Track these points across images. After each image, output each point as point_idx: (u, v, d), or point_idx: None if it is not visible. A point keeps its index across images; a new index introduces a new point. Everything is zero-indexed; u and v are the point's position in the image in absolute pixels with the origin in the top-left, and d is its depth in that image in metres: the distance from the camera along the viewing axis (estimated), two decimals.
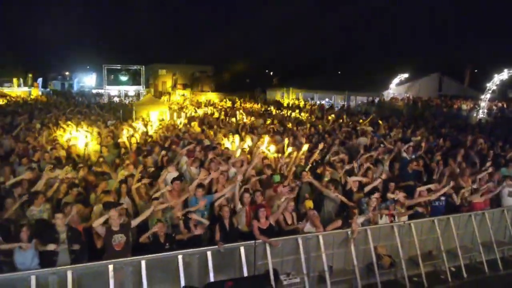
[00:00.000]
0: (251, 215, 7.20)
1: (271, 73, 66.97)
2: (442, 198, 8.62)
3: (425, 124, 19.12)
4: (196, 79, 59.72)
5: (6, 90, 46.46)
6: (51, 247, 5.94)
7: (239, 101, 36.84)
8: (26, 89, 50.34)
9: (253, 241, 6.63)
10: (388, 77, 34.89)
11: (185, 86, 57.13)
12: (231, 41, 64.95)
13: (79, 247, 6.17)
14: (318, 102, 39.17)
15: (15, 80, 54.22)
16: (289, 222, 7.27)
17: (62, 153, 10.71)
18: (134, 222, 6.49)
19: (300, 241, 6.93)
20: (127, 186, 7.85)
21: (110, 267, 5.84)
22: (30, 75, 54.55)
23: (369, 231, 7.52)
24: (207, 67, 62.71)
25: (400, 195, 8.09)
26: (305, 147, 10.72)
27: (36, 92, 46.82)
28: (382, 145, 12.27)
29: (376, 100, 33.37)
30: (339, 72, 54.07)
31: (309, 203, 7.42)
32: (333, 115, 21.88)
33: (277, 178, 8.80)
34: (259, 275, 4.07)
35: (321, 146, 10.77)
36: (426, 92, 35.19)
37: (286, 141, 11.53)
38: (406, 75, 34.79)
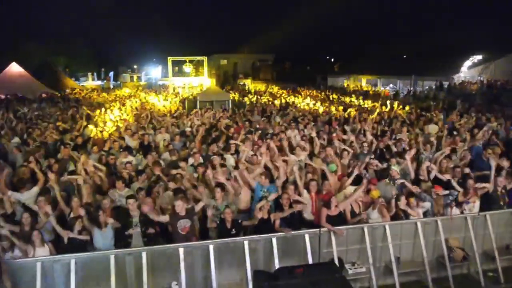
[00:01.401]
0: (317, 203, 7.15)
1: (332, 59, 65.55)
2: None
3: (502, 110, 17.70)
4: (257, 68, 60.06)
5: (82, 83, 50.04)
6: (129, 231, 6.39)
7: (301, 90, 36.43)
8: (99, 82, 53.87)
9: (318, 229, 6.61)
10: (459, 59, 32.65)
11: (246, 76, 57.79)
12: (291, 28, 64.25)
13: (153, 231, 6.53)
14: (382, 88, 37.77)
15: (89, 74, 58.28)
16: (357, 211, 7.13)
17: (135, 142, 11.30)
18: (198, 206, 6.72)
19: (366, 231, 6.79)
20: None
21: (181, 250, 6.12)
22: (103, 70, 58.23)
23: (440, 222, 7.16)
24: (268, 56, 62.79)
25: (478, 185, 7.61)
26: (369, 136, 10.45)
27: (108, 85, 49.83)
28: (455, 133, 11.58)
29: (446, 84, 31.43)
30: (404, 56, 51.55)
31: (376, 192, 7.21)
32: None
33: (333, 167, 8.64)
34: (328, 262, 4.05)
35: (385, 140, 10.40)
36: (503, 74, 32.45)
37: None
38: (479, 57, 32.32)
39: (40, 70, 37.47)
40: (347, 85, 43.53)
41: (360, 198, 7.25)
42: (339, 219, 6.85)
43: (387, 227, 6.88)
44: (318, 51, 65.01)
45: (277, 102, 23.86)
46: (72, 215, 6.68)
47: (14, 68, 32.76)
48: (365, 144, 10.10)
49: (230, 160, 9.45)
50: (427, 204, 7.32)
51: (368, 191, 7.37)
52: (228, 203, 6.98)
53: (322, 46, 65.57)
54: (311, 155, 9.47)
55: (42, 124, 13.76)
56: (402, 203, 7.16)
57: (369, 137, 10.58)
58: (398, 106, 18.27)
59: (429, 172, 8.26)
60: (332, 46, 64.69)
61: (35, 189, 7.37)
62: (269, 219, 6.83)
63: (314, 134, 10.93)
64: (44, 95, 30.91)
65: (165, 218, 6.53)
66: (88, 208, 7.06)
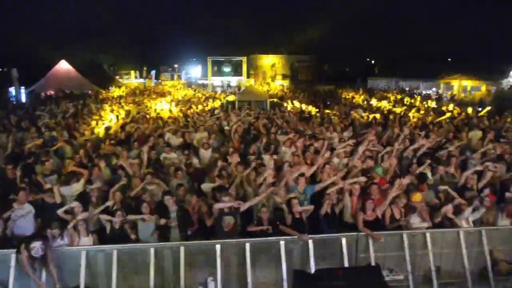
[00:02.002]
0: (357, 207, 7.07)
1: (372, 61, 64.22)
2: None
3: None
4: (295, 69, 59.81)
5: (125, 81, 51.71)
6: (164, 221, 6.59)
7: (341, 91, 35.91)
8: (141, 80, 55.49)
9: (356, 233, 6.53)
10: (509, 63, 31.13)
11: (284, 77, 57.69)
12: (331, 29, 63.58)
13: (189, 226, 6.69)
14: (423, 92, 36.62)
15: (132, 72, 60.22)
16: (398, 217, 6.96)
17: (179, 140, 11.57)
18: (243, 207, 6.76)
19: (405, 237, 6.62)
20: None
21: (218, 246, 6.21)
22: (145, 68, 59.96)
23: (484, 232, 6.86)
24: (307, 57, 62.36)
25: None
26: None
27: (150, 83, 51.22)
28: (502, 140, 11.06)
29: (493, 89, 30.05)
30: (449, 59, 49.75)
31: (418, 196, 7.00)
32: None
33: (379, 169, 8.48)
34: (369, 266, 4.00)
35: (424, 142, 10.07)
36: None
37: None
38: None
39: (87, 68, 39.07)
40: (388, 87, 42.49)
41: (402, 204, 7.08)
42: (376, 224, 6.72)
43: (427, 234, 6.68)
44: (358, 52, 63.88)
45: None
46: (115, 207, 6.94)
47: (63, 65, 34.29)
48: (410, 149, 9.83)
49: (269, 161, 9.47)
50: (476, 214, 7.03)
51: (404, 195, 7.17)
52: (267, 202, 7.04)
53: (363, 48, 64.36)
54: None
55: (88, 120, 14.38)
56: (449, 211, 6.92)
57: (422, 141, 10.22)
58: (442, 111, 17.67)
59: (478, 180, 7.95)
60: (373, 47, 63.40)
61: (82, 182, 7.70)
62: (302, 220, 6.80)
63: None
64: (89, 91, 32.25)
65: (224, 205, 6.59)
66: (130, 202, 7.35)
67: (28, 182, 7.82)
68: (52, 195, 7.05)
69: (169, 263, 6.23)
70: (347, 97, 30.93)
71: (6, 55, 41.30)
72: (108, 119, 15.21)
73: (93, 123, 14.00)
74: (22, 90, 31.88)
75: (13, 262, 5.79)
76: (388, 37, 62.89)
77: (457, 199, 7.18)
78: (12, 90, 31.07)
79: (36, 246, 5.61)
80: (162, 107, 19.17)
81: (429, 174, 8.17)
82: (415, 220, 6.88)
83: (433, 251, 6.68)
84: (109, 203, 6.87)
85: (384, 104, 23.73)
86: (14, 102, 25.05)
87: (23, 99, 29.13)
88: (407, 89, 39.56)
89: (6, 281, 5.74)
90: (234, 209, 6.57)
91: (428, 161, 8.71)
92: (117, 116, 16.29)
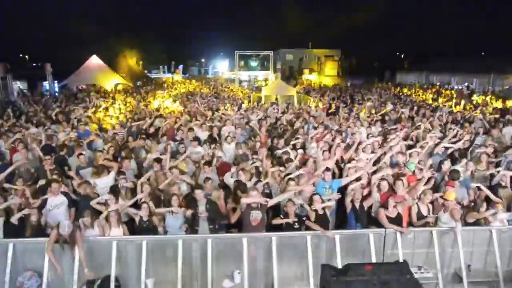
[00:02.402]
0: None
1: (402, 55, 62.72)
2: None
3: None
4: (322, 63, 59.18)
5: (153, 76, 52.58)
6: (190, 212, 6.70)
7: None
8: (169, 75, 56.26)
9: (383, 229, 6.45)
10: None
11: (311, 71, 57.18)
12: (359, 23, 62.37)
13: (218, 219, 6.79)
14: (456, 86, 35.53)
15: (160, 67, 61.12)
16: (425, 213, 6.84)
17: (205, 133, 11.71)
18: (271, 202, 6.80)
19: (435, 234, 6.50)
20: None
21: (244, 240, 6.27)
22: (173, 63, 60.72)
23: None
24: (334, 51, 61.56)
25: None
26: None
27: (178, 77, 51.83)
28: None
29: None
30: (483, 53, 47.98)
31: (451, 195, 6.83)
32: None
33: (412, 166, 8.32)
34: (398, 262, 3.94)
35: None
36: None
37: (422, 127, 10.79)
38: None
39: (117, 62, 39.91)
40: (418, 82, 41.40)
41: (428, 200, 6.93)
42: (398, 221, 6.61)
43: (458, 232, 6.51)
44: (387, 46, 62.48)
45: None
46: (143, 199, 7.10)
47: (94, 60, 35.13)
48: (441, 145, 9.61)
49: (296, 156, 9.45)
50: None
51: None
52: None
53: (392, 41, 62.93)
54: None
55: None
56: (484, 209, 6.73)
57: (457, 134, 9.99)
58: (476, 106, 17.10)
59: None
60: (402, 41, 61.89)
61: (112, 175, 7.92)
62: (326, 216, 6.79)
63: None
64: (119, 86, 32.96)
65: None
66: (159, 194, 7.50)
67: (61, 174, 8.10)
68: (86, 187, 7.25)
69: (197, 255, 6.33)
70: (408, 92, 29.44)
71: (40, 50, 42.71)
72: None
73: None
74: (56, 84, 32.93)
75: None
76: (419, 29, 61.19)
77: (493, 198, 6.98)
78: (46, 84, 32.14)
79: (64, 224, 5.82)
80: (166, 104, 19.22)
81: (461, 171, 7.95)
82: (445, 218, 6.72)
83: (464, 249, 6.52)
84: (140, 196, 7.02)
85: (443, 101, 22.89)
86: (48, 96, 25.86)
87: (56, 93, 30.07)
88: (438, 83, 38.46)
89: (41, 270, 5.98)
90: (261, 204, 6.60)
91: (465, 160, 8.52)
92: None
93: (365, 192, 7.28)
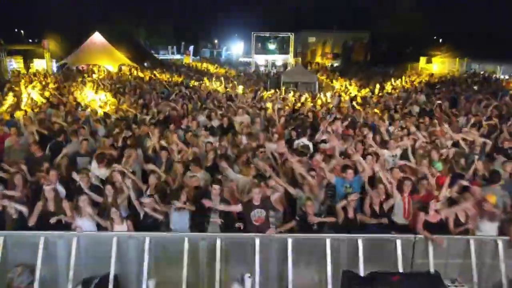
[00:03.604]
0: (410, 206, 6.96)
1: (440, 40, 61.45)
2: None
3: None
4: (349, 47, 58.48)
5: (161, 57, 52.69)
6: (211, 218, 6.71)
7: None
8: (178, 56, 56.37)
9: (413, 235, 6.38)
10: None
11: (335, 56, 56.61)
12: (391, 2, 61.18)
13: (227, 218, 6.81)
14: (502, 76, 34.75)
15: (169, 48, 61.27)
16: (462, 220, 6.75)
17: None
18: (274, 196, 6.82)
19: (472, 243, 6.41)
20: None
21: (257, 241, 6.28)
22: (183, 43, 60.80)
23: None
24: (362, 34, 60.72)
25: None
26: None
27: (187, 59, 51.89)
28: None
29: None
30: None
31: (493, 198, 6.70)
32: None
33: (439, 165, 8.19)
34: (429, 273, 3.88)
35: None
36: None
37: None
38: None
39: (121, 41, 40.11)
40: (457, 70, 40.63)
41: (468, 204, 6.81)
42: (439, 228, 6.53)
43: (499, 242, 6.41)
44: (423, 29, 61.22)
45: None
46: (148, 192, 7.16)
47: (96, 38, 35.25)
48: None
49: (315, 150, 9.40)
50: None
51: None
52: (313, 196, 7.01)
53: (428, 24, 61.62)
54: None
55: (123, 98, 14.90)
56: None
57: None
58: None
59: None
60: (440, 24, 60.53)
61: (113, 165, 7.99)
62: (355, 218, 6.74)
63: (413, 128, 10.43)
64: (123, 67, 33.13)
65: (236, 208, 6.73)
66: (165, 188, 7.54)
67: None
68: (85, 176, 7.33)
69: (204, 255, 6.37)
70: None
71: (38, 25, 43.10)
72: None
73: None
74: (54, 62, 33.29)
75: (41, 245, 6.13)
76: (461, 11, 59.73)
77: None
78: (43, 62, 32.35)
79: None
80: None
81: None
82: (486, 226, 6.61)
83: (506, 261, 6.41)
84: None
85: None
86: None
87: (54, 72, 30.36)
88: (481, 72, 37.68)
89: (34, 264, 6.09)
90: (264, 200, 6.61)
91: (501, 158, 8.35)
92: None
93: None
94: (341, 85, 23.87)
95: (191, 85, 22.19)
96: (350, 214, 6.74)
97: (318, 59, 56.79)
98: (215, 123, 11.62)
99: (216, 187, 6.76)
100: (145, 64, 38.25)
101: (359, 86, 23.60)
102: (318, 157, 8.09)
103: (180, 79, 26.08)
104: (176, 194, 6.79)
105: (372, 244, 6.44)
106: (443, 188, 7.03)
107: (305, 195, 7.08)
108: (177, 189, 7.04)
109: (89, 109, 12.59)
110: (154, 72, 30.11)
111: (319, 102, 16.66)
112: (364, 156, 8.17)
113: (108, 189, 6.85)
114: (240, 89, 20.63)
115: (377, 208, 6.94)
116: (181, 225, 6.72)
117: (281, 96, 17.62)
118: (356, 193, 6.89)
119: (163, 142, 9.06)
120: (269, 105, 14.66)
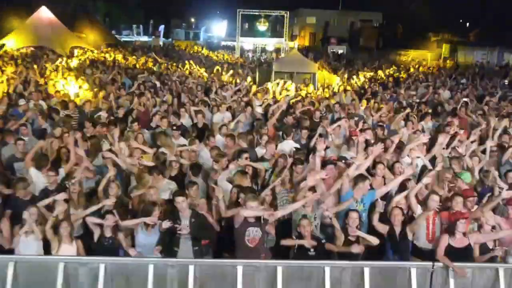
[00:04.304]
0: (435, 226, 7.02)
1: (467, 24, 62.35)
2: None
3: None
4: (357, 31, 58.98)
5: (124, 38, 52.43)
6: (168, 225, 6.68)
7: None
8: (146, 38, 56.17)
9: (430, 263, 6.44)
10: None
11: (340, 41, 56.98)
12: None
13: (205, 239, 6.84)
14: None
15: (134, 27, 60.95)
16: (490, 245, 6.86)
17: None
18: (278, 214, 6.86)
19: (501, 273, 6.47)
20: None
21: (239, 268, 6.27)
22: (151, 22, 60.64)
23: None
24: (373, 15, 61.32)
25: None
26: None
27: (157, 42, 51.81)
28: None
29: None
30: None
31: None
32: None
33: (467, 176, 8.30)
34: None
35: None
36: None
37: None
38: None
39: (74, 18, 39.88)
40: (488, 61, 41.23)
41: (491, 225, 6.96)
42: (465, 254, 6.63)
43: None
44: (447, 11, 62.04)
45: None
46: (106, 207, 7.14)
47: (43, 13, 34.86)
48: None
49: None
50: None
51: None
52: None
53: (453, 5, 62.50)
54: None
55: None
56: None
57: None
58: None
59: None
60: (467, 6, 61.37)
61: (62, 172, 7.97)
62: (358, 240, 6.81)
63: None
64: (76, 50, 32.90)
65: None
66: (125, 201, 7.53)
67: None
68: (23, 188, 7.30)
69: (174, 286, 6.34)
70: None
71: None
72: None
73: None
74: None
75: None
76: None
77: None
78: None
79: None
80: None
81: None
82: None
83: None
84: (108, 201, 7.00)
85: None
86: None
87: None
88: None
89: None
90: (261, 219, 6.61)
91: None
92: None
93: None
94: (344, 80, 23.93)
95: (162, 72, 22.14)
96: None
97: (319, 44, 57.11)
98: (187, 121, 11.67)
99: (179, 199, 6.78)
100: (101, 48, 38.02)
101: (369, 79, 23.78)
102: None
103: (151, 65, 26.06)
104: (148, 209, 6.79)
105: (381, 273, 6.50)
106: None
107: (301, 212, 7.12)
108: (151, 202, 7.03)
109: (32, 102, 12.49)
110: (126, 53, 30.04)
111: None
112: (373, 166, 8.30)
113: (60, 203, 6.79)
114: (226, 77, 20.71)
115: (397, 229, 6.95)
116: (149, 248, 6.71)
117: (261, 88, 17.77)
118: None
119: (122, 145, 9.05)
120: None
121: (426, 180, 7.51)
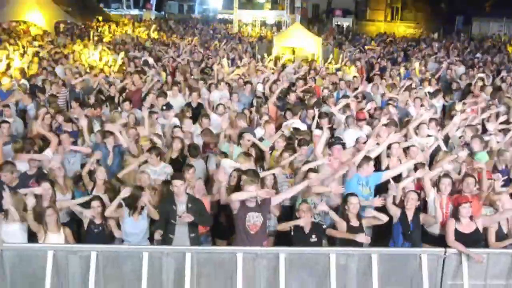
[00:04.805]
0: (448, 211, 7.04)
1: None
2: None
3: None
4: (363, 2, 58.53)
5: (113, 12, 51.88)
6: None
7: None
8: (137, 12, 55.61)
9: (443, 249, 6.48)
10: None
11: (345, 13, 56.46)
12: None
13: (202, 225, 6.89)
14: None
15: (124, 0, 60.27)
16: (505, 230, 6.89)
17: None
18: (275, 200, 6.84)
19: None
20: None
21: (239, 256, 6.30)
22: None
23: None
24: None
25: None
26: None
27: (148, 16, 51.27)
28: None
29: None
30: None
31: None
32: None
33: (483, 156, 8.30)
34: None
35: None
36: None
37: None
38: None
39: None
40: (505, 33, 40.90)
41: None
42: (474, 239, 6.64)
43: None
44: None
45: None
46: (94, 192, 7.17)
47: None
48: None
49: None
50: None
51: None
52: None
53: None
54: None
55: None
56: None
57: None
58: None
59: None
60: None
61: (47, 153, 7.97)
62: (361, 226, 6.86)
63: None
64: (62, 25, 32.66)
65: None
66: (116, 186, 7.56)
67: None
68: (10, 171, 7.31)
69: (170, 276, 6.39)
70: None
71: None
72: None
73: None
74: None
75: None
76: None
77: None
78: None
79: None
80: None
81: None
82: None
83: None
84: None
85: None
86: None
87: None
88: None
89: None
90: (262, 203, 6.62)
91: None
92: None
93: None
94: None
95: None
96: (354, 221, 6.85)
97: (322, 16, 56.65)
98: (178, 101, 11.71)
99: (177, 182, 6.71)
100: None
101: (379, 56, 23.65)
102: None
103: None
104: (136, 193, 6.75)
105: (390, 260, 6.53)
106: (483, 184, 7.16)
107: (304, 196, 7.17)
108: (138, 187, 6.98)
109: (13, 79, 12.51)
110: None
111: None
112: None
113: (45, 188, 6.80)
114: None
115: (409, 214, 6.94)
116: (138, 235, 6.76)
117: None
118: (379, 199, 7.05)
119: (110, 125, 9.04)
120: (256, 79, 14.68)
121: (446, 166, 7.48)
